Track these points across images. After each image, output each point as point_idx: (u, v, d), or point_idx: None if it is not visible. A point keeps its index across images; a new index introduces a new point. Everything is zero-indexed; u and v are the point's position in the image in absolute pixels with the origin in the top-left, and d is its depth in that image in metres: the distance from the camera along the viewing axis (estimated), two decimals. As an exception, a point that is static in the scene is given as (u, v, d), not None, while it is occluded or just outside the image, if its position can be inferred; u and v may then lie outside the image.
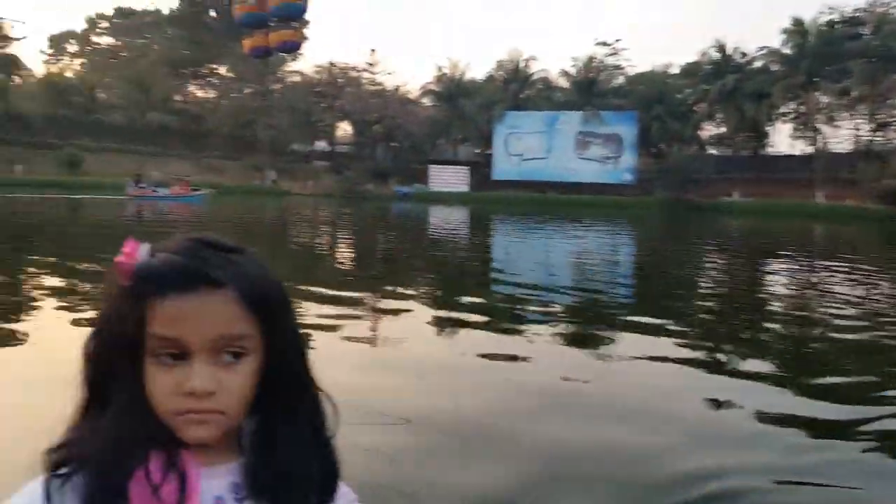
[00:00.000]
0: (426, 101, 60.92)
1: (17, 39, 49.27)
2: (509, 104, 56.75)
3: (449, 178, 55.98)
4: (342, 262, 12.58)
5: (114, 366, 0.71)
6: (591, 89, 57.03)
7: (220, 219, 21.62)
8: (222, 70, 69.47)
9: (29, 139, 46.75)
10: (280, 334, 0.75)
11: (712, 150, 59.73)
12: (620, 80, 59.71)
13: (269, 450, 0.75)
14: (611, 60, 58.74)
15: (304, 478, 0.76)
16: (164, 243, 0.74)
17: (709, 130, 59.35)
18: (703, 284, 10.55)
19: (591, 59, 57.74)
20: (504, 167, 57.02)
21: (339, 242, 17.08)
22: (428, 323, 6.05)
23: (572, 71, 58.22)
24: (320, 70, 58.98)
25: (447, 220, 26.89)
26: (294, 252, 13.35)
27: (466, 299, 7.37)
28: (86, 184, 44.61)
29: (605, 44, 58.59)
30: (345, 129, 66.06)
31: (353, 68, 58.21)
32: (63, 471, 0.69)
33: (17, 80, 48.42)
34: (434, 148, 60.96)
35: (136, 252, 0.71)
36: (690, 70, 57.24)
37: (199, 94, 69.25)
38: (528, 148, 56.22)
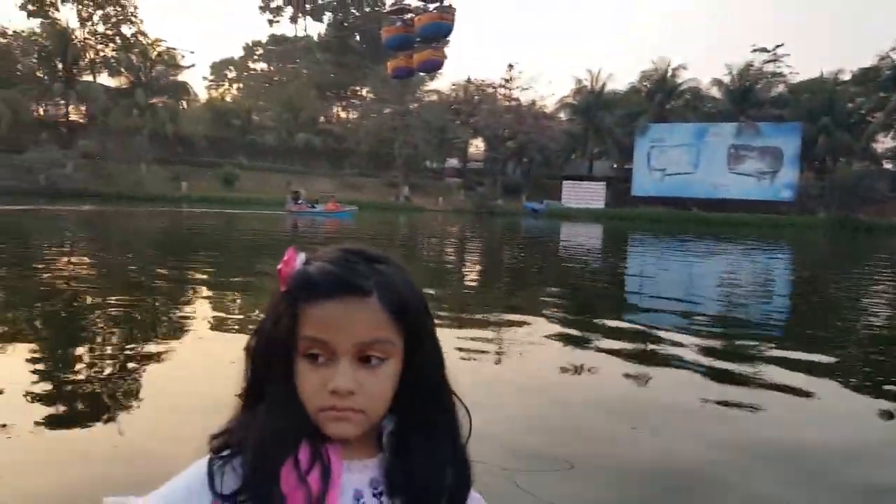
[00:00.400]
0: (562, 116, 59.36)
1: (186, 67, 54.16)
2: (654, 116, 53.82)
3: (583, 194, 53.99)
4: (468, 279, 12.11)
5: (270, 363, 0.78)
6: (746, 99, 52.70)
7: (365, 232, 22.31)
8: (364, 91, 72.57)
9: (193, 158, 51.05)
10: (420, 341, 0.80)
11: (888, 165, 53.06)
12: (780, 88, 54.68)
13: (404, 451, 0.80)
14: (770, 68, 54.08)
15: (435, 481, 0.80)
16: (318, 253, 0.81)
17: (884, 143, 52.87)
18: (874, 315, 8.77)
19: (748, 66, 53.35)
20: (645, 182, 54.08)
21: (467, 259, 16.51)
22: (559, 347, 5.76)
23: (726, 79, 54.13)
24: (456, 87, 59.47)
25: (580, 238, 25.66)
26: (425, 267, 13.06)
27: (600, 323, 6.93)
28: (242, 199, 47.91)
29: (763, 50, 54.11)
30: (476, 145, 66.26)
31: (490, 85, 58.05)
32: (224, 454, 0.77)
33: (184, 104, 53.15)
34: (568, 163, 59.20)
35: (293, 260, 0.79)
36: (866, 76, 51.02)
37: (342, 114, 72.74)
38: (672, 162, 52.94)
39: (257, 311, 6.18)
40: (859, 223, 43.27)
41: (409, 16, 29.05)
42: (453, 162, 68.35)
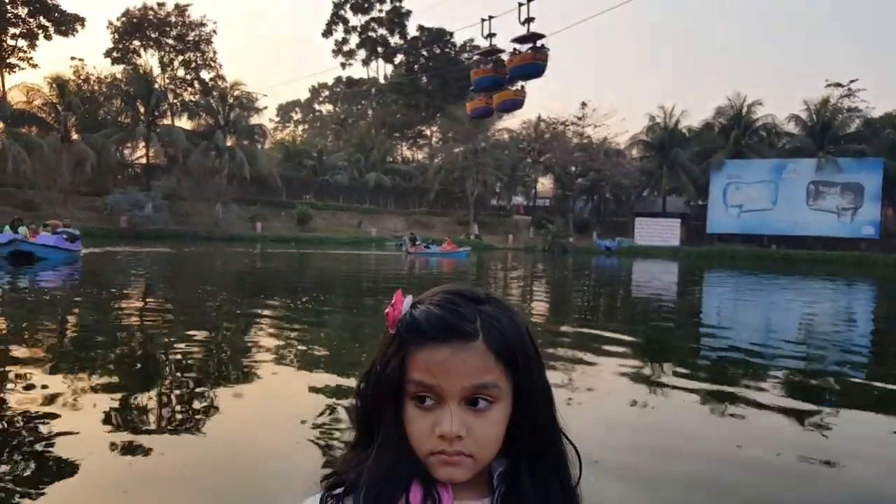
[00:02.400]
0: (634, 153, 58.52)
1: (261, 110, 55.64)
2: (730, 152, 52.46)
3: (657, 231, 52.65)
4: (547, 317, 11.67)
5: (380, 404, 0.79)
6: (825, 134, 50.96)
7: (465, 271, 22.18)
8: (428, 131, 73.42)
9: (267, 199, 52.10)
10: (528, 383, 0.79)
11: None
12: (857, 123, 52.87)
13: (515, 493, 0.79)
14: (846, 102, 52.42)
15: None
16: (424, 295, 0.81)
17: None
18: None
19: (825, 100, 51.77)
20: (721, 219, 52.47)
21: (544, 295, 16.03)
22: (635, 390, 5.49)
23: (803, 115, 52.53)
24: (527, 125, 59.44)
25: (657, 276, 24.92)
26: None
27: (670, 367, 6.74)
28: (316, 239, 48.55)
29: (838, 84, 52.51)
30: (543, 183, 65.85)
31: (563, 123, 57.78)
32: (336, 492, 0.78)
33: (260, 145, 54.56)
34: (640, 200, 58.10)
35: (401, 303, 0.79)
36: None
37: (408, 153, 73.60)
38: (749, 198, 51.28)
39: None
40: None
41: (498, 55, 29.05)
42: (518, 199, 68.14)
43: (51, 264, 16.71)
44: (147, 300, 11.09)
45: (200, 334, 7.52)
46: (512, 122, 57.86)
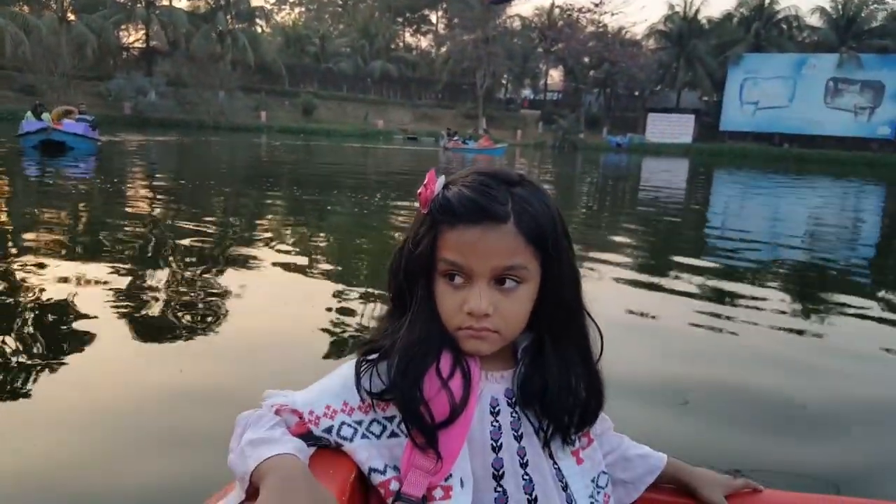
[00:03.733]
0: (651, 43, 56.41)
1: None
2: (749, 45, 50.66)
3: (669, 128, 51.70)
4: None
5: (412, 280, 0.82)
6: (849, 28, 49.09)
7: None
8: (434, 16, 70.03)
9: (270, 87, 50.45)
10: (556, 265, 0.81)
11: None
12: (882, 16, 50.77)
13: (538, 365, 0.83)
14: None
15: (566, 394, 0.83)
16: (457, 175, 0.83)
17: None
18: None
19: (853, -9, 49.50)
20: (735, 116, 51.48)
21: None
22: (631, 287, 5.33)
23: (828, 7, 50.32)
24: (540, 11, 56.81)
25: (669, 179, 24.23)
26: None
27: (677, 263, 6.61)
28: (323, 130, 47.50)
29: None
30: (552, 75, 63.85)
31: (578, 9, 55.17)
32: (370, 357, 0.82)
33: (260, 29, 52.16)
34: (653, 95, 56.69)
35: (433, 183, 0.80)
36: None
37: (411, 39, 70.60)
38: (766, 95, 50.06)
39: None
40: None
41: None
42: (525, 93, 66.25)
43: (81, 154, 15.95)
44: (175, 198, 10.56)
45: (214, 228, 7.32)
46: (524, 7, 55.31)
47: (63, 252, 5.62)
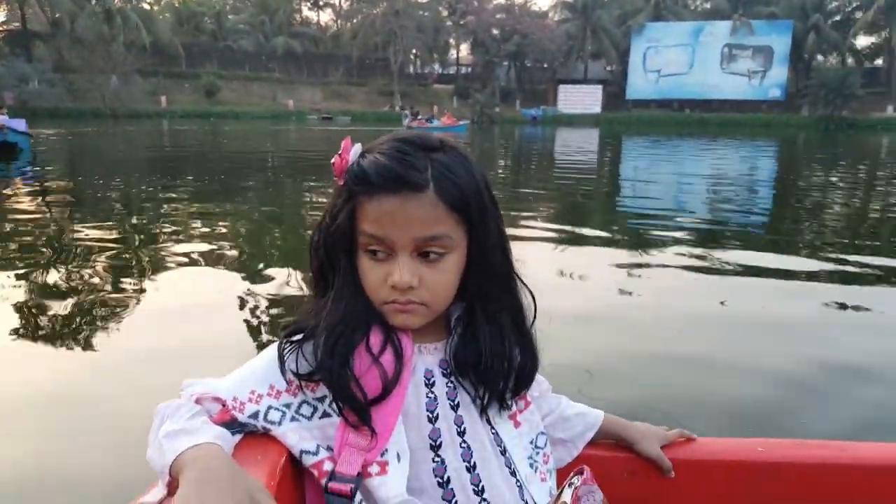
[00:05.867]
0: (556, 15, 57.12)
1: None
2: (649, 15, 52.38)
3: (579, 99, 52.96)
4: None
5: (333, 256, 0.79)
6: (740, -4, 51.83)
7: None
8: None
9: (167, 69, 47.02)
10: (483, 234, 0.77)
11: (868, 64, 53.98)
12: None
13: (470, 334, 0.82)
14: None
15: (501, 361, 0.81)
16: (374, 143, 0.78)
17: (867, 41, 53.59)
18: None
19: (743, -41, 52.12)
20: (640, 85, 53.34)
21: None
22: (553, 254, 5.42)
23: (721, -26, 52.79)
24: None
25: (584, 144, 25.01)
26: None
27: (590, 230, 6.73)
28: (229, 113, 44.84)
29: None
30: (461, 49, 63.44)
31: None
32: (295, 338, 0.78)
33: (147, 5, 48.31)
34: (562, 66, 57.59)
35: (348, 152, 0.77)
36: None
37: (310, 14, 67.76)
38: (668, 63, 52.16)
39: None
40: (842, 120, 44.28)
41: None
42: (433, 68, 65.42)
43: (26, 155, 13.47)
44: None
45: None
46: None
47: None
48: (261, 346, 2.69)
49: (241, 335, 3.33)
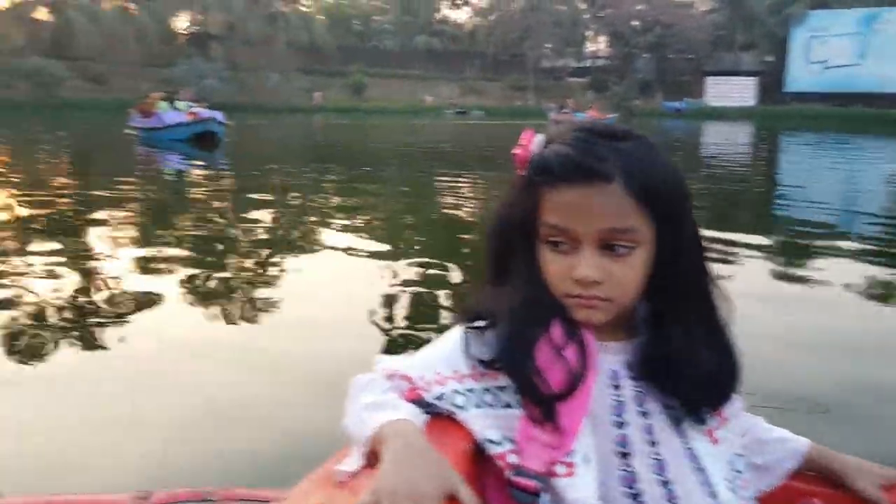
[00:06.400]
0: (702, 7, 54.69)
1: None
2: (809, 2, 48.76)
3: (729, 91, 50.32)
4: None
5: (511, 245, 0.77)
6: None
7: None
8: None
9: (322, 68, 50.04)
10: (673, 226, 0.73)
11: None
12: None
13: (659, 337, 0.76)
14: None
15: (695, 369, 0.75)
16: (558, 132, 0.75)
17: None
18: None
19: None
20: (801, 77, 49.76)
21: None
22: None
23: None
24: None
25: (735, 139, 23.11)
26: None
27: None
28: (375, 109, 47.03)
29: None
30: (599, 40, 62.27)
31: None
32: (476, 324, 0.77)
33: (304, 8, 51.66)
34: (709, 59, 55.03)
35: (530, 143, 0.75)
36: None
37: (449, 12, 69.32)
38: (834, 53, 48.24)
39: None
40: None
41: None
42: (565, 62, 64.71)
43: (223, 144, 14.89)
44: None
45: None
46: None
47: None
48: (393, 339, 3.16)
49: (378, 314, 3.52)
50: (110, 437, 2.23)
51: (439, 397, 0.75)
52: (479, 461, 0.75)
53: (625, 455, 0.73)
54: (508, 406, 0.74)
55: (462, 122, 35.40)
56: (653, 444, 0.74)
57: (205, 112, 15.35)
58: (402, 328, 3.38)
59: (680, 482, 0.73)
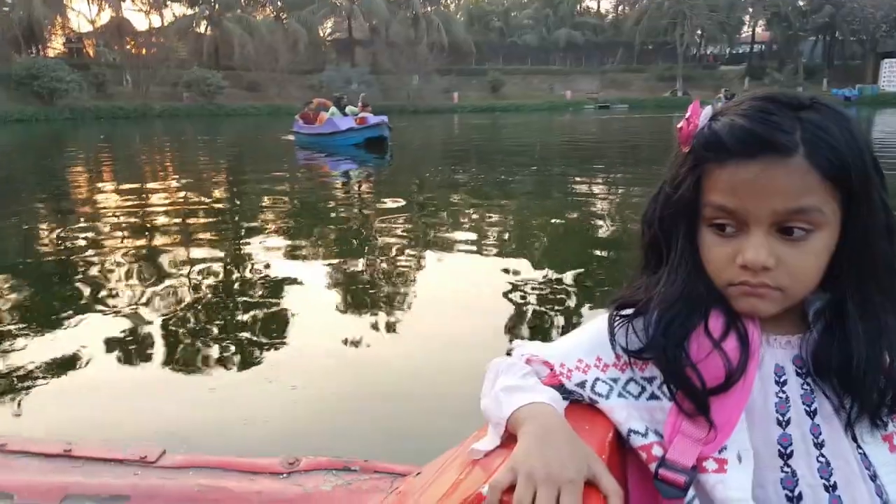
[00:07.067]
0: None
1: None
2: None
3: (911, 75, 44.47)
4: None
5: (670, 229, 0.72)
6: None
7: None
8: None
9: (459, 67, 50.65)
10: (864, 208, 0.65)
11: None
12: None
13: (836, 332, 0.69)
14: None
15: (878, 369, 0.68)
16: (728, 104, 0.69)
17: None
18: None
19: None
20: None
21: None
22: None
23: None
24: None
25: None
26: None
27: None
28: (511, 107, 46.86)
29: None
30: (760, 24, 57.57)
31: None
32: (625, 312, 0.74)
33: (449, 8, 52.57)
34: (885, 38, 48.98)
35: (697, 116, 0.70)
36: None
37: (590, 3, 67.47)
38: None
39: None
40: None
41: None
42: (717, 48, 60.50)
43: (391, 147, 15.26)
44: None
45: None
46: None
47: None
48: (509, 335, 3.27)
49: (508, 317, 3.64)
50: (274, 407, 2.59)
51: (580, 385, 0.74)
52: (622, 451, 0.73)
53: (787, 456, 0.69)
54: (655, 397, 0.72)
55: (611, 117, 34.24)
56: (820, 446, 0.69)
57: (373, 117, 15.35)
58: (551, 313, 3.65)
59: (847, 489, 0.67)
